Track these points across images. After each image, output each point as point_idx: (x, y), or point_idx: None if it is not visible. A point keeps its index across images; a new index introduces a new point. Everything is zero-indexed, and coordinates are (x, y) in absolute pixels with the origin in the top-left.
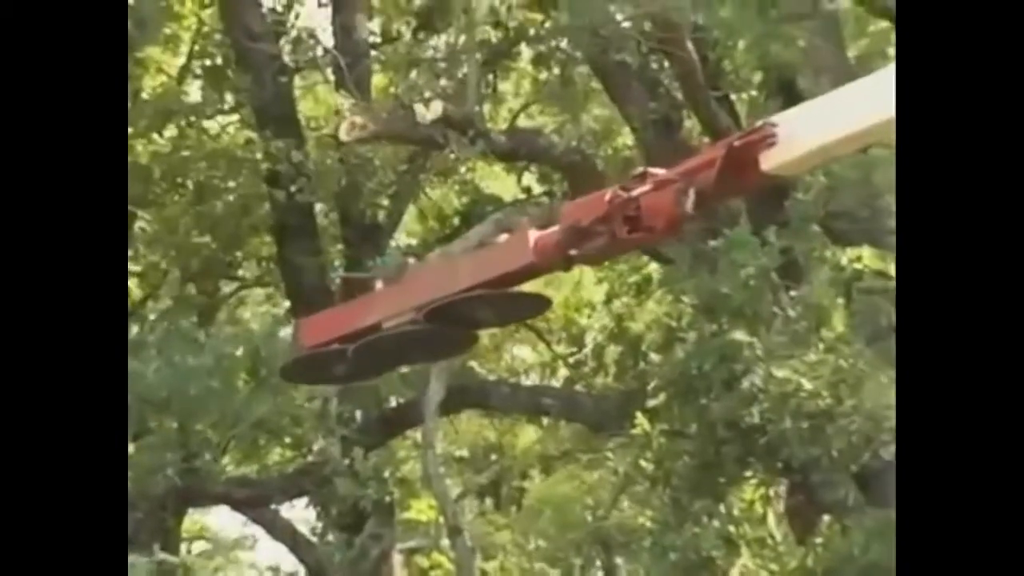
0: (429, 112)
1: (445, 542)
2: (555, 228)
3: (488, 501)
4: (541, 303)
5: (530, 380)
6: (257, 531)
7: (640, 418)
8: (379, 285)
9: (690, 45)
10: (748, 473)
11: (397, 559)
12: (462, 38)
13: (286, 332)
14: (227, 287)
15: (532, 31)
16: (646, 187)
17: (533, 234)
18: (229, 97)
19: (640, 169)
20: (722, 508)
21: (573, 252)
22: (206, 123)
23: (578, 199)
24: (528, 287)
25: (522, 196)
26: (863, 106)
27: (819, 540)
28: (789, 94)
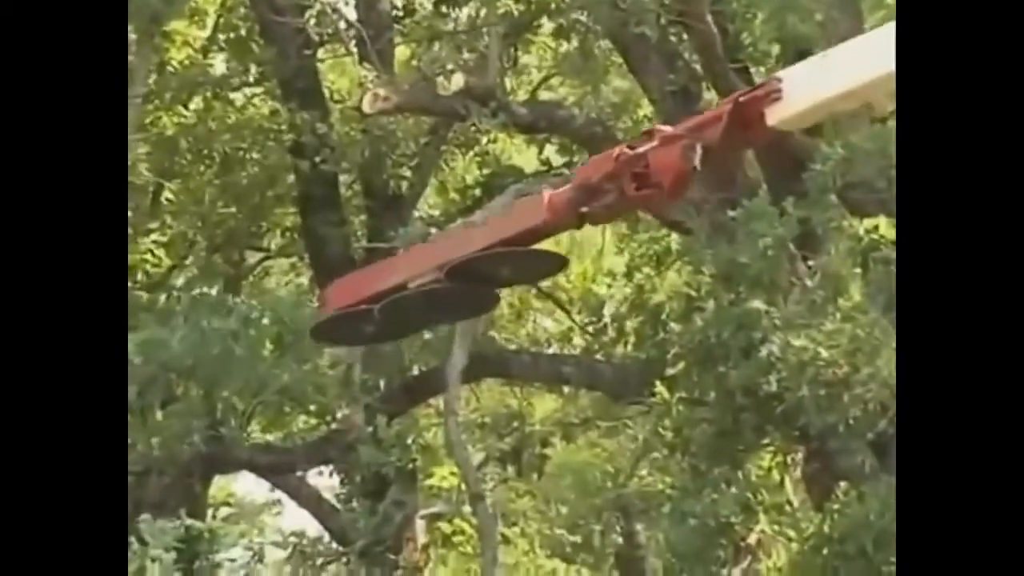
0: (451, 84)
1: (467, 508)
2: (567, 186)
3: (510, 468)
4: (558, 261)
5: (551, 349)
6: (282, 497)
7: (659, 386)
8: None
9: (709, 18)
10: (766, 440)
11: (420, 525)
12: (483, 11)
13: (311, 301)
14: (252, 258)
15: (553, 4)
16: (653, 143)
17: (547, 193)
18: (254, 69)
19: (648, 127)
20: (740, 475)
21: (584, 209)
22: (231, 95)
23: (590, 158)
24: None
25: (542, 168)
26: (863, 61)
27: (836, 506)
28: None
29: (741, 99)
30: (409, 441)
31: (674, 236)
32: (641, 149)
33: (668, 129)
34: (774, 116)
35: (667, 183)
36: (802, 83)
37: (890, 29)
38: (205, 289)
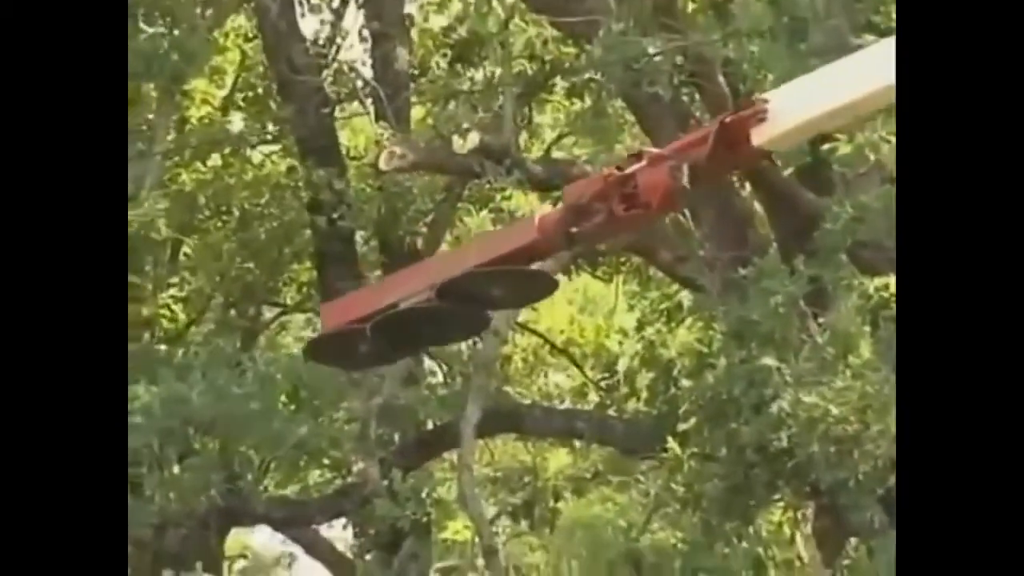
0: (466, 143)
1: (480, 562)
2: (557, 207)
3: (523, 522)
4: (548, 282)
5: (563, 404)
6: (296, 550)
7: (671, 442)
8: None
9: (721, 78)
10: (776, 496)
11: None
12: (498, 71)
13: None
14: (268, 313)
15: (567, 64)
16: (642, 164)
17: (538, 214)
18: (271, 127)
19: (636, 149)
20: (751, 530)
21: (574, 230)
22: (249, 152)
23: (580, 180)
24: (561, 313)
25: None
26: (848, 82)
27: (846, 562)
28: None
29: (727, 120)
30: (423, 495)
31: (685, 293)
32: (629, 170)
33: (656, 150)
34: (760, 136)
35: (655, 202)
36: (787, 104)
37: (873, 50)
38: (222, 344)
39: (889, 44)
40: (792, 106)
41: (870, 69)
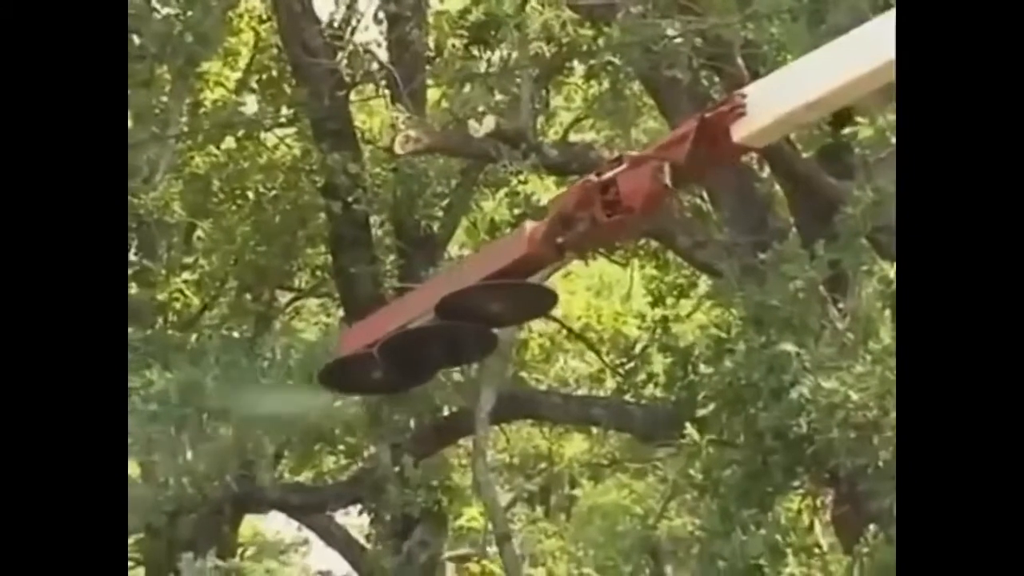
0: (482, 126)
1: (492, 549)
2: (544, 219)
3: (538, 509)
4: (547, 296)
5: (579, 391)
6: (310, 536)
7: (689, 428)
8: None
9: (740, 60)
10: (795, 483)
11: (450, 566)
12: (515, 53)
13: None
14: (282, 298)
15: (584, 46)
16: (622, 167)
17: (529, 226)
18: (286, 110)
19: (617, 154)
20: (770, 517)
21: (560, 240)
22: (263, 135)
23: (565, 189)
24: (578, 298)
25: None
26: (824, 72)
27: (865, 549)
28: (838, 112)
29: (706, 116)
30: (437, 482)
31: (703, 278)
32: (608, 175)
33: (635, 153)
34: (739, 132)
35: (638, 206)
36: (765, 97)
37: (845, 39)
38: (235, 329)
39: (862, 32)
40: (770, 100)
41: (844, 59)
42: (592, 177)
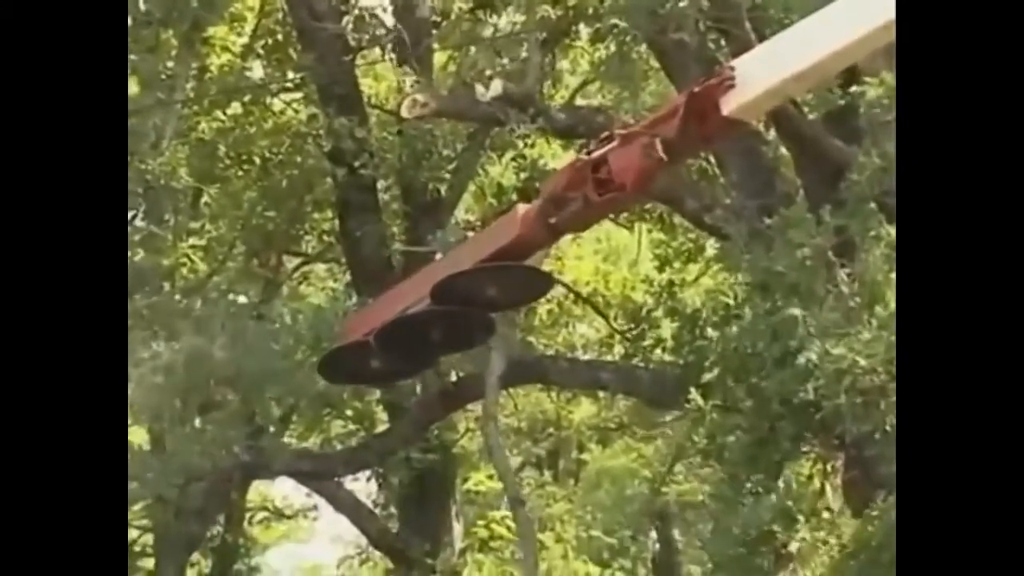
0: (489, 90)
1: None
2: (536, 201)
3: (546, 473)
4: (543, 278)
5: (588, 355)
6: (319, 502)
7: (693, 393)
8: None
9: (747, 24)
10: (804, 448)
11: (457, 529)
12: (521, 17)
13: (348, 305)
14: (290, 263)
15: (590, 9)
16: (613, 144)
17: (521, 208)
18: (292, 74)
19: (606, 132)
20: (780, 482)
21: (552, 220)
22: (270, 100)
23: (557, 169)
24: (586, 263)
25: None
26: (811, 42)
27: (874, 513)
28: (845, 72)
29: (696, 90)
30: (447, 445)
31: (710, 242)
32: (598, 153)
33: (624, 130)
34: (728, 105)
35: (629, 183)
36: (754, 70)
37: (836, 7)
38: (243, 295)
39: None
40: (759, 72)
41: (832, 28)
42: (583, 156)
